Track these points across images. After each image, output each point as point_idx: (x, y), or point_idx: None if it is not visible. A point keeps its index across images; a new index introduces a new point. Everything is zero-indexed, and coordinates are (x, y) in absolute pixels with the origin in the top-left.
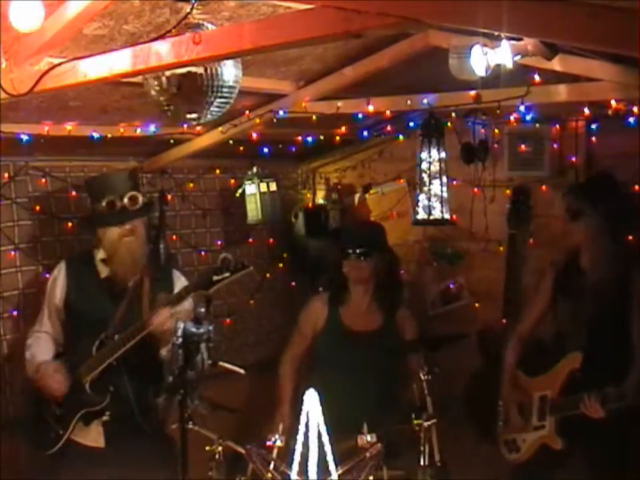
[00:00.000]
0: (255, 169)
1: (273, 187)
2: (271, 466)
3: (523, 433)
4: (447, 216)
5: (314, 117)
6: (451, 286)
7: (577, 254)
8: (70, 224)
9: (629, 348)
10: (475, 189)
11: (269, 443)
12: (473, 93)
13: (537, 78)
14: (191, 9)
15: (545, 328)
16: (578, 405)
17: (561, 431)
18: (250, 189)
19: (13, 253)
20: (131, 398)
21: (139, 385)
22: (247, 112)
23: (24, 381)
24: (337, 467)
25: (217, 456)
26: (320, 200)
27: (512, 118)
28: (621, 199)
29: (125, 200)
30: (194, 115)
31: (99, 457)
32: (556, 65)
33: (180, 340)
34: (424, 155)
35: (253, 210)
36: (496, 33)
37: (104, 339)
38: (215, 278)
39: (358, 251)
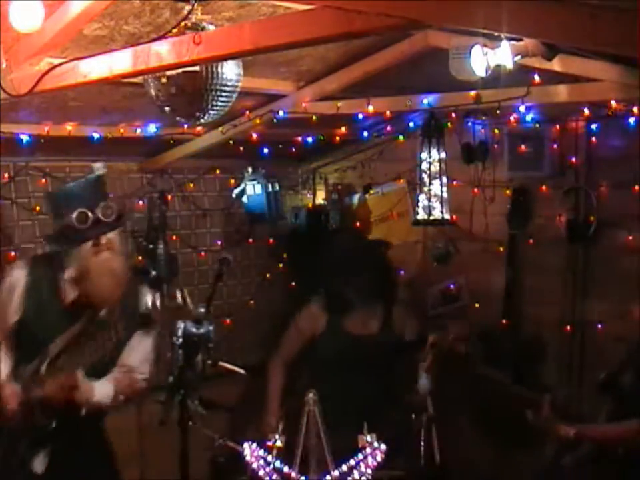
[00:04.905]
0: (250, 169)
1: (275, 187)
2: (271, 466)
3: None
4: (447, 216)
5: (314, 117)
6: (451, 286)
7: None
8: None
9: None
10: (475, 189)
11: (268, 443)
12: (472, 93)
13: (536, 78)
14: (191, 10)
15: None
16: None
17: None
18: (251, 189)
19: (12, 253)
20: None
21: None
22: (247, 112)
23: None
24: (336, 467)
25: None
26: (320, 200)
27: (512, 118)
28: None
29: (98, 211)
30: (194, 116)
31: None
32: (556, 65)
33: (180, 340)
34: (424, 155)
35: (254, 210)
36: (496, 33)
37: (53, 359)
38: None
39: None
